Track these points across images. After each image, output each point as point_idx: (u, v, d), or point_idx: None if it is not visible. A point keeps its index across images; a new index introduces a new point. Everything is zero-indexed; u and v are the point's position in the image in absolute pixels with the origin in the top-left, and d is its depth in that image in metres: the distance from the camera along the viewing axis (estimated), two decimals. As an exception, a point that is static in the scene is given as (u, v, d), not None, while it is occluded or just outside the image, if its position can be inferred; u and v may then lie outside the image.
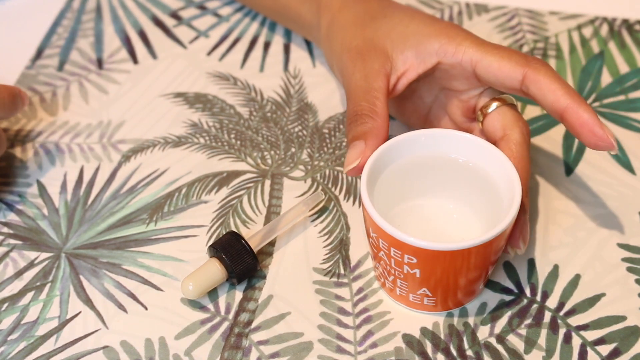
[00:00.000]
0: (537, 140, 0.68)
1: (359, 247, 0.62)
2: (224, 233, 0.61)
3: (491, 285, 0.60)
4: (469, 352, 0.56)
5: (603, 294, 0.59)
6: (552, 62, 0.73)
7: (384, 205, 0.57)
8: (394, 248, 0.54)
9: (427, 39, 0.59)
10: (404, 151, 0.58)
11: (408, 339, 0.57)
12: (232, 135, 0.69)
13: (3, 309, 0.59)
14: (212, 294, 0.60)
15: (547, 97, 0.56)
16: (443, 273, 0.55)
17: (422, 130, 0.58)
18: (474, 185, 0.58)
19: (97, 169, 0.67)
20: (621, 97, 0.71)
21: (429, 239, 0.52)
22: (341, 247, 0.62)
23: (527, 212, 0.57)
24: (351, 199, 0.65)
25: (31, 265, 0.62)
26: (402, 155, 0.58)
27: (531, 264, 0.60)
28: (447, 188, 0.60)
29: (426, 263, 0.54)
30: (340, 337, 0.57)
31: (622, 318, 0.58)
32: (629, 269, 0.60)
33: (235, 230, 0.62)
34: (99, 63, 0.75)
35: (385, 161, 0.57)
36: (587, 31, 0.76)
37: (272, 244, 0.62)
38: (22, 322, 0.59)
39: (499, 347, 0.57)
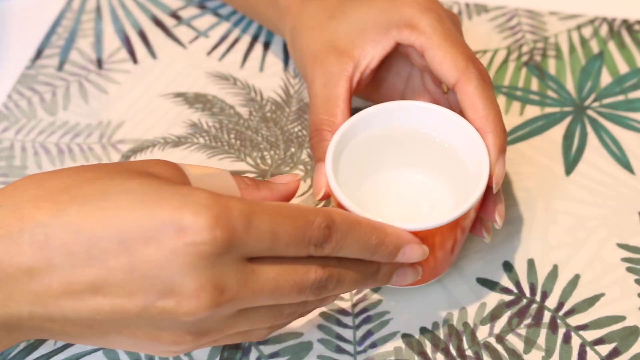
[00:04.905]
0: (537, 140, 0.68)
1: (358, 247, 0.62)
2: (224, 233, 0.61)
3: (491, 285, 0.60)
4: (469, 352, 0.56)
5: (602, 294, 0.59)
6: (552, 62, 0.73)
7: (352, 179, 0.56)
8: None
9: (384, 27, 0.59)
10: (371, 124, 0.58)
11: (407, 339, 0.57)
12: (232, 135, 0.69)
13: (3, 308, 0.59)
14: (212, 294, 0.59)
15: (467, 112, 0.56)
16: None
17: (388, 103, 0.58)
18: (442, 157, 0.58)
19: (97, 169, 0.67)
20: (621, 97, 0.71)
21: (399, 219, 0.52)
22: (341, 247, 0.62)
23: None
24: (351, 199, 0.65)
25: (31, 265, 0.61)
26: (370, 127, 0.58)
27: (531, 264, 0.60)
28: (416, 160, 0.60)
29: None
30: (339, 337, 0.57)
31: (622, 318, 0.58)
32: (629, 269, 0.60)
33: (235, 230, 0.62)
34: (99, 63, 0.75)
35: (348, 137, 0.57)
36: (587, 31, 0.76)
37: (271, 244, 0.62)
38: (22, 322, 0.59)
39: (499, 347, 0.57)
